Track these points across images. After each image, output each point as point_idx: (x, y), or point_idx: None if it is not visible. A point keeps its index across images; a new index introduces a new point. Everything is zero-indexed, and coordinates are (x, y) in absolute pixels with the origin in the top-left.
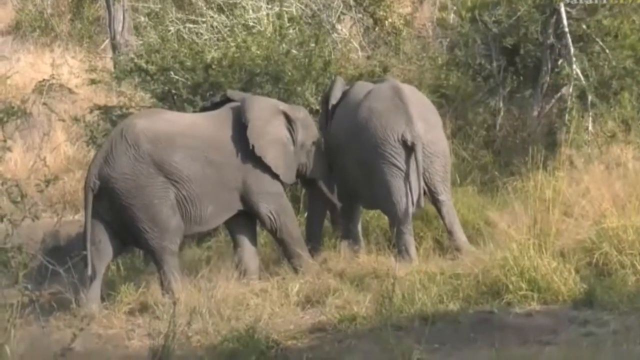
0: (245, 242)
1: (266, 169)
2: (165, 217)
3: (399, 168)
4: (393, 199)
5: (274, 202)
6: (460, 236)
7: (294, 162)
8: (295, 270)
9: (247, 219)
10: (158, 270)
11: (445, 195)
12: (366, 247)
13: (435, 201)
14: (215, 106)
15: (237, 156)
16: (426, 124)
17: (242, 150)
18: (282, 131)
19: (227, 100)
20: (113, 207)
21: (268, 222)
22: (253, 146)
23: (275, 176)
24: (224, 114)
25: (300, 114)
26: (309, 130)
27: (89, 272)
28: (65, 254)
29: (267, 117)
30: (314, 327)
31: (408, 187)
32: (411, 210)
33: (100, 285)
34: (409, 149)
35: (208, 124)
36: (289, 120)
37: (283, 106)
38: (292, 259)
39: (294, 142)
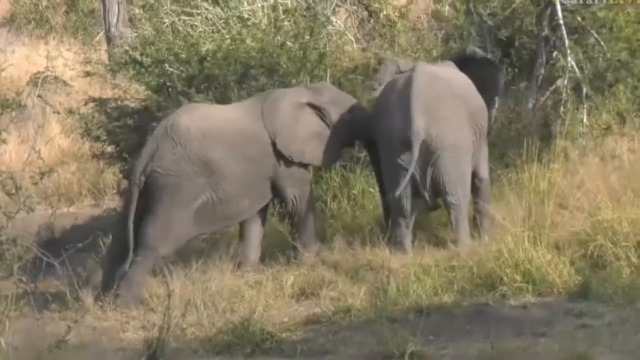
0: (251, 233)
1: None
2: (178, 224)
3: (398, 162)
4: (390, 191)
5: (298, 187)
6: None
7: (336, 143)
8: (289, 262)
9: (261, 211)
10: (132, 263)
11: (454, 197)
12: (361, 240)
13: (444, 203)
14: None
15: (272, 148)
16: (431, 117)
17: (272, 142)
18: (311, 124)
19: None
20: (148, 202)
21: (291, 205)
22: (291, 157)
23: (304, 164)
24: (255, 107)
25: (324, 96)
26: (340, 106)
27: (127, 267)
28: (60, 246)
29: (292, 117)
30: (308, 319)
31: (406, 180)
32: (407, 203)
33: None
34: (409, 145)
35: (245, 117)
36: (315, 107)
37: (306, 97)
38: (296, 247)
39: (328, 125)
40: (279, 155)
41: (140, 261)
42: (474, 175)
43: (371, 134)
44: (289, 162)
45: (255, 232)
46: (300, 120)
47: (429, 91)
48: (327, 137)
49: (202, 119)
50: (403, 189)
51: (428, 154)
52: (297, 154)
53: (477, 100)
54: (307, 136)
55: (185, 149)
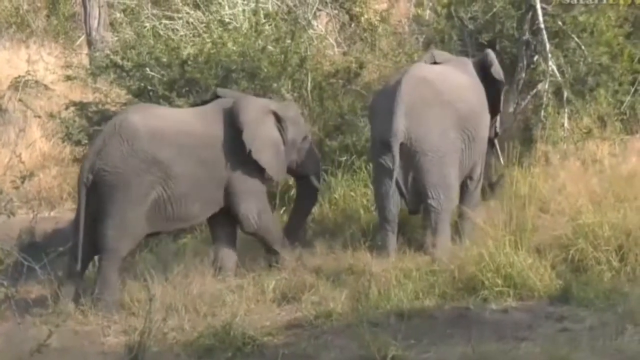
0: (224, 238)
1: (254, 168)
2: (134, 222)
3: (382, 164)
4: (376, 196)
5: (255, 201)
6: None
7: (285, 160)
8: (270, 267)
9: (228, 214)
10: (99, 268)
11: (435, 201)
12: (343, 244)
13: (424, 206)
14: (204, 105)
15: (227, 154)
16: (413, 121)
17: (231, 148)
18: (273, 132)
19: (216, 99)
20: (99, 200)
21: (246, 221)
22: (250, 150)
23: (260, 175)
24: (215, 111)
25: (290, 112)
26: (299, 128)
27: (78, 267)
28: (41, 250)
29: (259, 118)
30: (290, 324)
31: (391, 184)
32: (393, 207)
33: (80, 282)
34: (389, 148)
35: (200, 121)
36: (278, 119)
37: (273, 105)
38: (272, 257)
39: (284, 141)
40: (234, 168)
41: (106, 265)
42: (467, 177)
43: (308, 171)
44: (243, 175)
45: (229, 236)
46: (264, 123)
47: (413, 95)
48: (281, 152)
49: (151, 117)
50: (390, 193)
51: (409, 157)
52: (258, 151)
53: (468, 105)
54: (268, 140)
55: (133, 145)
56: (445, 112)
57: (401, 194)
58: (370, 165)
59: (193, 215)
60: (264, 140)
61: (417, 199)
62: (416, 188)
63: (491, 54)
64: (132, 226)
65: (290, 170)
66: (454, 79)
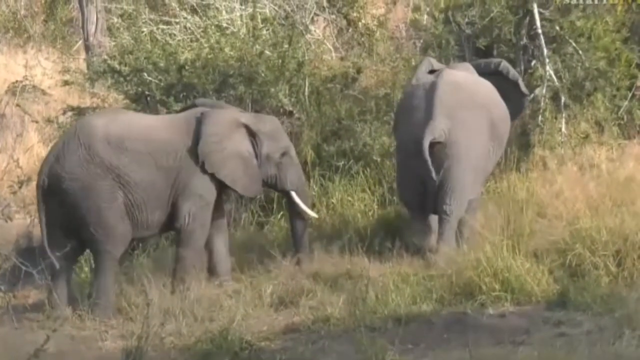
0: (217, 243)
1: (213, 179)
2: (112, 222)
3: (414, 165)
4: (399, 192)
5: (199, 209)
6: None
7: (258, 175)
8: (267, 270)
9: (219, 220)
10: (95, 272)
11: (448, 207)
12: (340, 249)
13: (437, 210)
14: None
15: (190, 162)
16: (453, 123)
17: (194, 157)
18: (241, 145)
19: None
20: (63, 206)
21: (180, 217)
22: (203, 162)
23: (217, 187)
24: (183, 120)
25: (265, 126)
26: (276, 142)
27: (57, 266)
28: (38, 255)
29: (225, 132)
30: (287, 328)
31: (416, 182)
32: (419, 203)
33: (70, 286)
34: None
35: (165, 129)
36: (251, 133)
37: (246, 119)
38: (179, 263)
39: (256, 155)
40: (194, 174)
41: (101, 269)
42: None
43: (288, 187)
44: (198, 181)
45: (220, 241)
46: (232, 137)
47: (451, 99)
48: (251, 166)
49: (112, 123)
50: (417, 191)
51: (441, 160)
52: (213, 164)
53: (500, 109)
54: (231, 154)
55: (89, 150)
56: (482, 116)
57: (425, 193)
58: (368, 169)
59: (156, 223)
60: (226, 154)
61: (438, 200)
62: (438, 190)
63: (508, 65)
64: (112, 226)
65: (270, 185)
66: (483, 83)
